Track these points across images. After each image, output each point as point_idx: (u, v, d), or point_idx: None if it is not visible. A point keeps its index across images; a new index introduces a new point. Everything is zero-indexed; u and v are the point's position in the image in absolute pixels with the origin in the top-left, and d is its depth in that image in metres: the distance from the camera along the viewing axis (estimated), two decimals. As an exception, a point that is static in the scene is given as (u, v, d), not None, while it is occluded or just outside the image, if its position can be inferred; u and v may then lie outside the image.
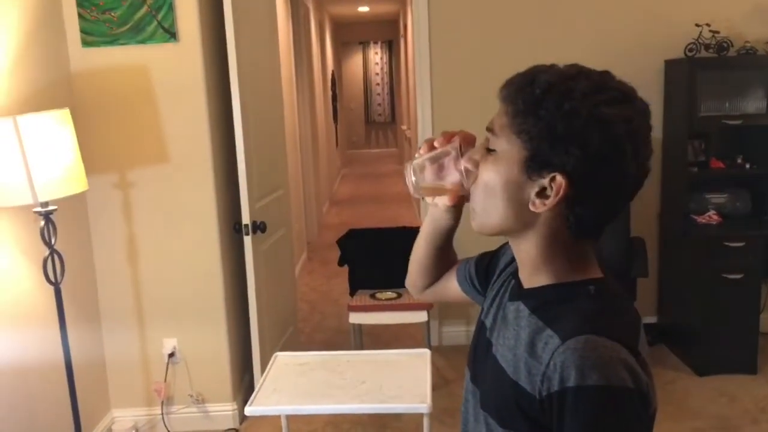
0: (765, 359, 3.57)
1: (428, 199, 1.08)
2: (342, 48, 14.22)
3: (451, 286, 1.22)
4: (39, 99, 2.62)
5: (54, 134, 2.16)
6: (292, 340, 3.93)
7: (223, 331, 3.20)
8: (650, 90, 3.83)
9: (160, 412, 3.20)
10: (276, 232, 3.58)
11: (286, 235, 3.91)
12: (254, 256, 3.24)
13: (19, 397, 2.47)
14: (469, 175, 0.94)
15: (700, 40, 3.57)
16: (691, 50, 3.58)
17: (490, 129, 0.92)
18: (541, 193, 0.87)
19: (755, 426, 3.07)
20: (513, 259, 1.02)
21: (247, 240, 3.21)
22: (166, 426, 3.19)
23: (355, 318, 3.51)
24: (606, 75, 0.89)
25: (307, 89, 6.83)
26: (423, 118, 3.97)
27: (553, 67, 0.90)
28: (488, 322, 1.01)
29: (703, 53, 3.59)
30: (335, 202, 9.76)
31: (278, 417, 3.28)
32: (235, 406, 3.26)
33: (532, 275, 0.93)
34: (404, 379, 2.10)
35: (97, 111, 2.96)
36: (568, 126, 0.83)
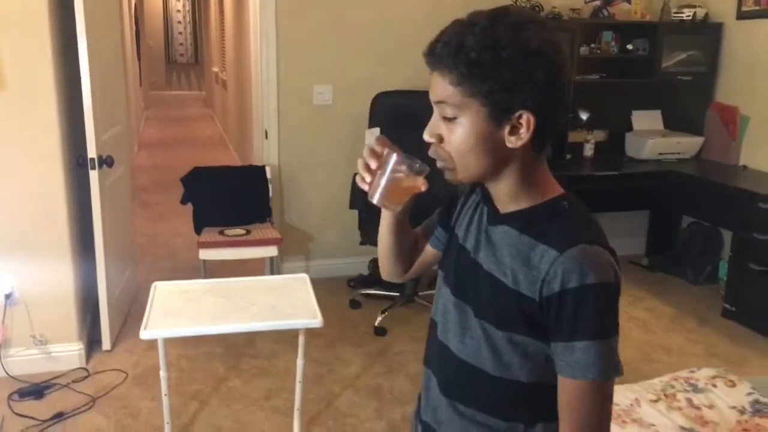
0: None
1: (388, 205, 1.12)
2: (142, -21, 13.25)
3: (428, 255, 1.26)
4: None
5: None
6: (131, 280, 3.85)
7: (68, 269, 3.07)
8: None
9: (-4, 356, 3.01)
10: (118, 167, 3.46)
11: (125, 173, 3.77)
12: (100, 191, 3.13)
13: None
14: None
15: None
16: (510, 11, 4.04)
17: (439, 102, 1.00)
18: (513, 131, 0.98)
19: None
20: (471, 192, 1.16)
21: (93, 174, 3.09)
22: (3, 369, 3.01)
23: (205, 254, 3.54)
24: (511, 10, 0.99)
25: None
26: (267, 62, 4.00)
27: (467, 24, 0.97)
28: (469, 246, 1.11)
29: (520, 15, 4.06)
30: (143, 144, 9.29)
31: (125, 354, 3.27)
32: (81, 346, 3.17)
33: (511, 203, 1.05)
34: (292, 300, 2.26)
35: None
36: (513, 71, 0.94)
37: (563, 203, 1.05)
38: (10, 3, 2.75)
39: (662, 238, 4.74)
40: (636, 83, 4.48)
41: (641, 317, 3.88)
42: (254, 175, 3.92)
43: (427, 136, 1.03)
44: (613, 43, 4.33)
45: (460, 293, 1.12)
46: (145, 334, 2.06)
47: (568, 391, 0.98)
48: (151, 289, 2.34)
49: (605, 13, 4.32)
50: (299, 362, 2.50)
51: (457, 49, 0.95)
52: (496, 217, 1.07)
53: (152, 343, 3.29)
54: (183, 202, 3.86)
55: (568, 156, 4.36)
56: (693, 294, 4.22)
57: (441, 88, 0.98)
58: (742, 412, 1.83)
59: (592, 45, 4.31)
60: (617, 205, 4.59)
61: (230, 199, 3.83)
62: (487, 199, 1.10)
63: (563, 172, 4.15)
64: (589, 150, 4.44)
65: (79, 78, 2.97)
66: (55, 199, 2.97)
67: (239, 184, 3.90)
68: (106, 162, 3.15)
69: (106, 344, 3.29)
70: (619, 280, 0.99)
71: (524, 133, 0.98)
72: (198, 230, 3.76)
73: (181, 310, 2.15)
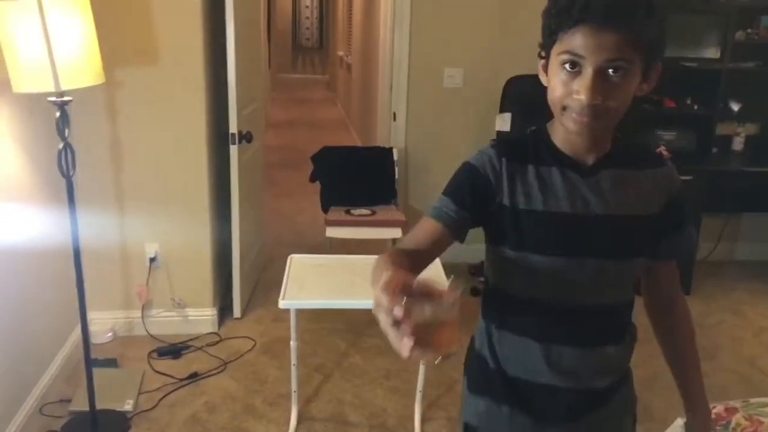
0: (698, 282, 3.98)
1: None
2: (274, -35, 13.67)
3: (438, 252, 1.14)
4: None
5: (74, 18, 2.08)
6: (260, 253, 3.99)
7: (207, 238, 3.21)
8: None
9: (138, 315, 3.21)
10: (254, 143, 3.58)
11: (259, 149, 3.90)
12: (239, 165, 3.25)
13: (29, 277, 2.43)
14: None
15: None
16: (658, -7, 3.79)
17: (613, 59, 1.02)
18: (645, 80, 1.10)
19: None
20: (500, 158, 1.17)
21: (234, 149, 3.21)
22: (145, 329, 3.21)
23: (332, 232, 3.60)
24: None
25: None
26: (400, 44, 3.99)
27: None
28: (564, 205, 1.14)
29: (669, -3, 3.81)
30: (270, 124, 9.62)
31: (253, 323, 3.39)
32: (215, 312, 3.32)
33: (597, 146, 1.16)
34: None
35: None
36: (660, 32, 1.07)
37: (618, 136, 1.19)
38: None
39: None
40: (797, 73, 4.09)
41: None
42: (381, 156, 3.93)
43: (596, 99, 1.04)
44: (772, 28, 3.97)
45: (573, 251, 1.15)
46: (282, 304, 2.12)
47: (677, 269, 1.29)
48: (288, 261, 2.40)
49: (766, -5, 3.96)
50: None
51: (632, 10, 1.01)
52: (589, 168, 1.16)
53: (278, 315, 3.41)
54: (312, 179, 3.95)
55: (714, 149, 4.05)
56: None
57: (615, 46, 1.02)
58: None
59: (749, 30, 3.97)
60: (764, 205, 4.22)
61: (357, 180, 3.87)
62: (539, 159, 1.17)
63: (708, 167, 3.88)
64: (738, 144, 4.12)
65: (221, 57, 3.09)
66: (198, 171, 3.11)
67: (366, 164, 3.94)
68: (245, 137, 3.27)
69: (236, 312, 3.43)
70: None
71: (653, 81, 1.12)
72: (325, 208, 3.83)
73: (315, 283, 2.19)
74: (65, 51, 2.04)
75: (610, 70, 1.03)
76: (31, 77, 2.02)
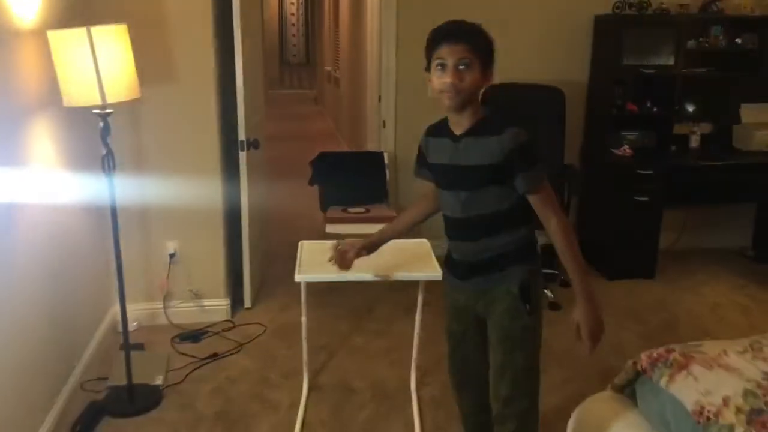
0: (661, 267, 4.40)
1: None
2: (261, -15, 14.09)
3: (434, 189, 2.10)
4: (60, 16, 2.86)
5: (115, 46, 2.46)
6: (265, 252, 4.36)
7: (220, 235, 3.59)
8: (581, 41, 4.49)
9: (160, 306, 3.57)
10: (259, 151, 3.97)
11: (262, 157, 4.28)
12: (247, 170, 3.63)
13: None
14: None
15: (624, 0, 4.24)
16: (617, 7, 4.24)
17: (462, 58, 1.80)
18: (485, 76, 1.84)
19: (654, 315, 3.87)
20: (425, 140, 2.06)
21: (243, 155, 3.60)
22: (167, 318, 3.57)
23: (331, 228, 3.98)
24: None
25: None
26: (387, 57, 4.41)
27: (464, 22, 1.86)
28: (445, 159, 1.94)
29: (627, 11, 4.26)
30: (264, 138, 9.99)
31: (263, 312, 3.76)
32: (228, 302, 3.69)
33: (466, 121, 1.88)
34: (414, 258, 2.65)
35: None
36: (491, 45, 1.86)
37: (488, 107, 1.92)
38: (182, 13, 3.27)
39: (769, 230, 4.76)
40: (744, 77, 4.54)
41: (741, 302, 3.99)
42: (373, 160, 4.33)
43: (455, 79, 1.80)
44: (721, 37, 4.42)
45: (452, 186, 1.96)
46: (298, 278, 2.50)
47: (541, 200, 1.88)
48: (299, 246, 2.78)
49: (715, 8, 4.42)
50: (417, 317, 2.89)
51: (476, 33, 1.84)
52: (458, 136, 1.91)
53: (284, 304, 3.80)
54: (311, 183, 4.33)
55: (673, 147, 4.49)
56: (799, 285, 4.26)
57: (458, 51, 1.80)
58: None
59: (701, 39, 4.42)
60: (723, 197, 4.65)
61: (352, 181, 4.26)
62: (440, 133, 1.97)
63: (667, 163, 4.31)
64: (694, 142, 4.56)
65: (229, 74, 3.48)
66: (212, 175, 3.49)
67: (360, 168, 4.33)
68: (253, 144, 3.65)
69: (247, 302, 3.80)
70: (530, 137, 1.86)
71: (491, 77, 1.86)
72: (324, 208, 4.22)
73: (323, 263, 2.58)
74: (109, 71, 2.42)
75: (461, 66, 1.80)
76: (82, 93, 2.40)
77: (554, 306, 3.83)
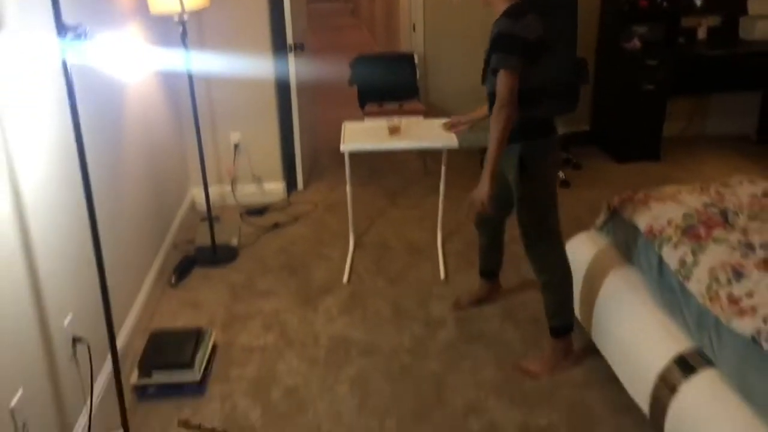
0: (668, 152, 4.89)
1: None
2: None
3: None
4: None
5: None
6: (312, 142, 5.00)
7: (275, 127, 4.22)
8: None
9: (229, 189, 4.27)
10: (305, 53, 4.53)
11: (306, 59, 4.84)
12: (295, 70, 4.21)
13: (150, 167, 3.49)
14: None
15: None
16: None
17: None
18: None
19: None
20: None
21: (291, 56, 4.17)
22: (235, 198, 4.27)
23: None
24: None
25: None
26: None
27: None
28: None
29: None
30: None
31: (313, 193, 4.42)
32: (283, 184, 4.36)
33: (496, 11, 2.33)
34: (438, 132, 3.24)
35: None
36: None
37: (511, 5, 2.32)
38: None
39: (773, 115, 5.15)
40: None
41: (735, 177, 4.47)
42: (405, 61, 4.85)
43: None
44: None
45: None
46: (344, 147, 3.13)
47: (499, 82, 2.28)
48: (343, 126, 3.39)
49: None
50: (441, 186, 3.50)
51: None
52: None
53: (332, 185, 4.46)
54: (350, 83, 4.89)
55: (681, 40, 4.86)
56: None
57: None
58: (755, 195, 2.55)
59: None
60: (729, 85, 5.03)
61: (386, 80, 4.81)
62: None
63: (674, 54, 4.71)
64: (701, 33, 4.92)
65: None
66: (266, 74, 4.08)
67: (392, 68, 4.86)
68: (299, 47, 4.21)
69: (300, 185, 4.48)
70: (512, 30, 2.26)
71: None
72: (362, 105, 4.79)
73: (364, 137, 3.20)
74: (185, -15, 3.00)
75: None
76: (166, 2, 2.99)
77: (565, 184, 4.39)
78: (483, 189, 2.36)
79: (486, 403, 2.47)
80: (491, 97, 2.35)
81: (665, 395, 2.08)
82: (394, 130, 3.23)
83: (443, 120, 3.15)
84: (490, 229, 2.89)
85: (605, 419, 2.38)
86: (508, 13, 2.28)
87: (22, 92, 1.98)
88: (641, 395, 2.21)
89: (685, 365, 2.07)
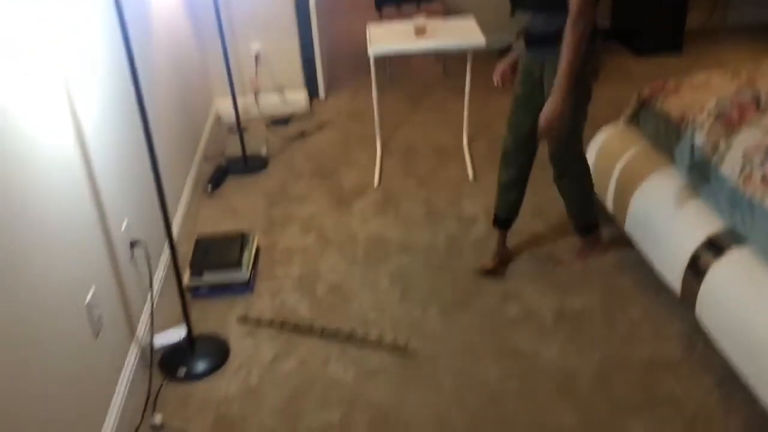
0: (689, 44, 4.83)
1: None
2: None
3: None
4: None
5: None
6: (330, 52, 4.96)
7: (295, 39, 4.20)
8: None
9: (252, 100, 4.29)
10: (319, -42, 4.43)
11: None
12: (312, -24, 4.14)
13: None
14: None
15: None
16: None
17: None
18: None
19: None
20: None
21: (307, -39, 4.08)
22: (258, 109, 4.30)
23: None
24: None
25: None
26: None
27: None
28: None
29: None
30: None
31: (334, 102, 4.43)
32: (306, 94, 4.38)
33: None
34: (464, 31, 3.22)
35: None
36: None
37: None
38: None
39: None
40: None
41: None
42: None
43: None
44: None
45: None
46: (372, 50, 3.13)
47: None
48: (367, 28, 3.37)
49: None
50: (467, 87, 3.51)
51: None
52: None
53: (353, 92, 4.47)
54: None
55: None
56: None
57: None
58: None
59: None
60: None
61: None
62: None
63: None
64: None
65: None
66: (283, -18, 4.03)
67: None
68: (314, -50, 4.12)
69: (321, 94, 4.49)
70: None
71: None
72: (378, 7, 4.71)
73: (391, 39, 3.19)
74: None
75: None
76: None
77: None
78: (558, 107, 2.19)
79: (523, 290, 2.60)
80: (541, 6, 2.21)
81: (698, 272, 2.18)
82: (420, 31, 3.22)
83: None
84: (517, 162, 2.57)
85: (637, 299, 2.51)
86: None
87: (74, 13, 2.00)
88: (673, 275, 2.33)
89: (716, 245, 2.16)
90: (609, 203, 2.81)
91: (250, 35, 4.14)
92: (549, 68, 2.27)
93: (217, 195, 3.43)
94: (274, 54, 4.22)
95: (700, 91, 2.57)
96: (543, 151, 2.55)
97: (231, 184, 3.53)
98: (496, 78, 2.56)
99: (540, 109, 2.27)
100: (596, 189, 2.76)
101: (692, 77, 2.74)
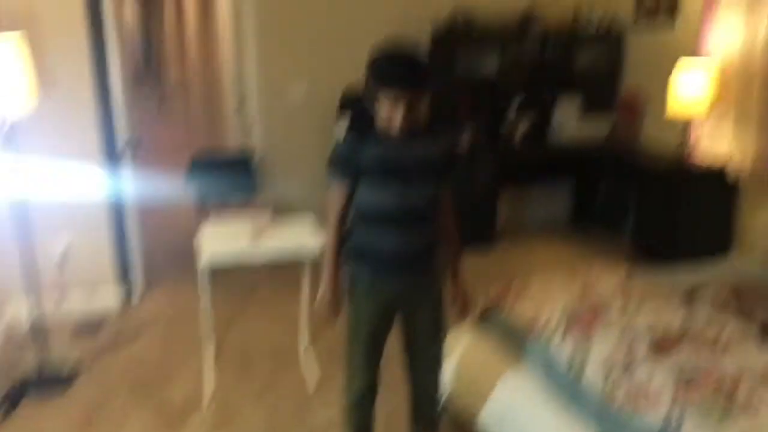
0: (496, 239, 5.22)
1: None
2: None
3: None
4: None
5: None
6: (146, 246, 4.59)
7: (107, 231, 3.83)
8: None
9: (56, 300, 3.72)
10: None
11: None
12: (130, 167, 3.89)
13: None
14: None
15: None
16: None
17: (410, 99, 2.03)
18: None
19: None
20: (360, 134, 2.17)
21: (127, 155, 3.85)
22: (61, 310, 3.73)
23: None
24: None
25: None
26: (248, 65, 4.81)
27: (413, 59, 2.07)
28: (392, 153, 2.13)
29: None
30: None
31: (159, 293, 4.01)
32: (120, 291, 3.92)
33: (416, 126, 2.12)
34: (306, 231, 3.12)
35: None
36: (431, 77, 2.12)
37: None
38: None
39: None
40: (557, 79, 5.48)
41: (565, 261, 4.88)
42: (241, 161, 4.64)
43: (405, 117, 2.05)
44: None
45: (396, 176, 2.15)
46: (204, 262, 2.84)
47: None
48: (197, 233, 3.14)
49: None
50: (306, 287, 3.35)
51: (422, 74, 2.07)
52: (406, 137, 2.10)
53: (175, 285, 4.07)
54: (185, 184, 4.54)
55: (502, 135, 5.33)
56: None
57: (414, 94, 2.05)
58: (619, 283, 2.80)
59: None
60: (541, 177, 5.58)
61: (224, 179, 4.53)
62: (376, 134, 2.14)
63: (494, 154, 5.13)
64: (518, 136, 5.42)
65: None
66: (94, 176, 3.71)
67: (229, 168, 4.61)
68: (136, 142, 3.91)
69: (138, 291, 4.04)
70: None
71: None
72: (200, 207, 4.46)
73: (226, 243, 3.00)
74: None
75: (412, 104, 2.04)
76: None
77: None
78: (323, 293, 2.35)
79: None
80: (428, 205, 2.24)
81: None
82: (258, 233, 3.05)
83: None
84: (372, 372, 2.37)
85: None
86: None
87: None
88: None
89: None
90: (459, 410, 2.69)
91: (54, 225, 3.68)
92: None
93: (9, 421, 2.80)
94: (83, 250, 3.78)
95: (544, 299, 2.65)
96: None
97: (28, 409, 2.91)
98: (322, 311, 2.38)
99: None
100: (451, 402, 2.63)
101: (530, 283, 2.84)
